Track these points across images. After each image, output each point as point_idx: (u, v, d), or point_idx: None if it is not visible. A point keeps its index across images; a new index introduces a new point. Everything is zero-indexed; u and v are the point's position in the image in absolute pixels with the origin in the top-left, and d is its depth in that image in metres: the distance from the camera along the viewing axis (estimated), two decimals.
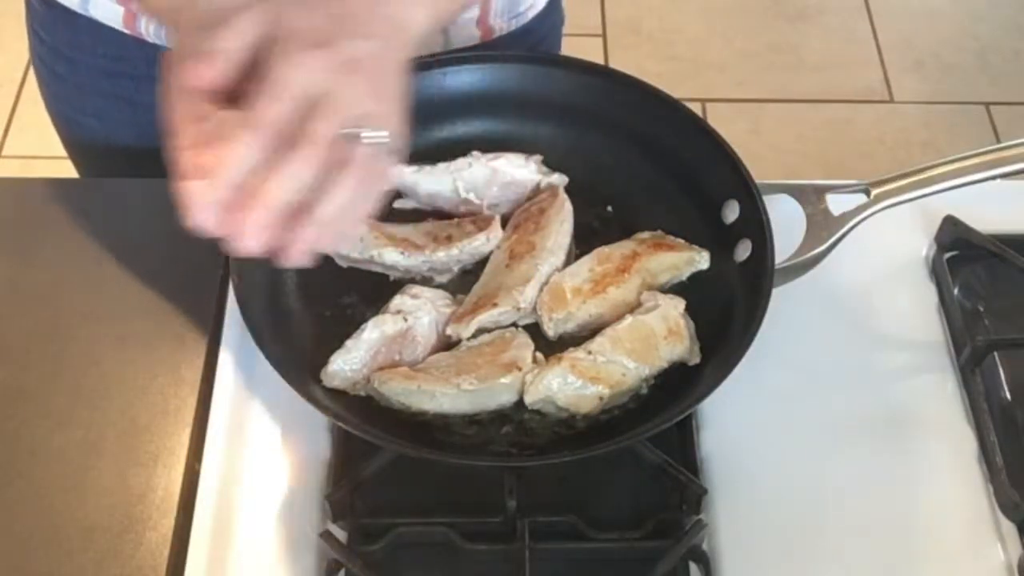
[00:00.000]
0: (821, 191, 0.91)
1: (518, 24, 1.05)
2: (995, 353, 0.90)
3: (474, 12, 1.00)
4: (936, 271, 0.96)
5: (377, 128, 0.65)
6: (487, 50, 1.02)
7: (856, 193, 0.91)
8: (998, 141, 2.28)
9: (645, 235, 0.90)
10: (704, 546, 0.80)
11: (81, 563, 0.79)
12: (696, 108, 2.23)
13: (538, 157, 0.94)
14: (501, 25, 1.04)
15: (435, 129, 0.97)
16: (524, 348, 0.83)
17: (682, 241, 0.90)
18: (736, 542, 0.81)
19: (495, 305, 0.84)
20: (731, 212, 0.89)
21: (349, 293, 0.89)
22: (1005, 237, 0.95)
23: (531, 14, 1.06)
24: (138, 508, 0.81)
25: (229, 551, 0.79)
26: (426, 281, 0.89)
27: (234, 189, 0.62)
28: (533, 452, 0.81)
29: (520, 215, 0.92)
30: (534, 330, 0.86)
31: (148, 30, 1.00)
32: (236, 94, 0.64)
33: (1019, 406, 0.89)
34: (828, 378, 0.90)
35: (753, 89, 2.52)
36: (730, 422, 0.87)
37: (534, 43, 1.09)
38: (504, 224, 0.91)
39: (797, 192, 0.91)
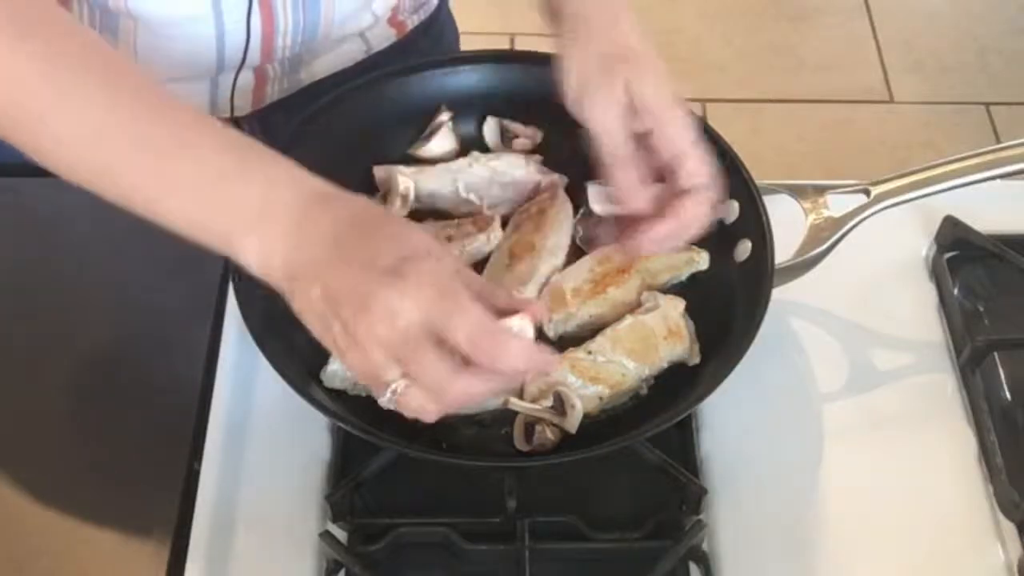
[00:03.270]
0: (821, 191, 0.91)
1: (426, 14, 1.10)
2: (995, 353, 0.90)
3: (386, 12, 1.03)
4: (936, 271, 0.96)
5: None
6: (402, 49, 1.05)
7: (856, 193, 0.91)
8: (998, 141, 2.29)
9: None
10: (704, 546, 0.80)
11: (82, 565, 0.79)
12: (696, 108, 2.23)
13: (538, 157, 0.94)
14: (413, 20, 1.08)
15: None
16: None
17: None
18: (736, 542, 0.81)
19: None
20: (731, 212, 0.89)
21: None
22: (1005, 237, 0.95)
23: (435, 2, 1.11)
24: (138, 508, 0.81)
25: (229, 551, 0.79)
26: None
27: None
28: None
29: (520, 215, 0.91)
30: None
31: None
32: None
33: (1019, 406, 0.89)
34: (828, 378, 0.90)
35: (753, 89, 2.51)
36: (730, 422, 0.87)
37: (438, 31, 1.13)
38: (504, 224, 0.91)
39: (797, 192, 0.91)
